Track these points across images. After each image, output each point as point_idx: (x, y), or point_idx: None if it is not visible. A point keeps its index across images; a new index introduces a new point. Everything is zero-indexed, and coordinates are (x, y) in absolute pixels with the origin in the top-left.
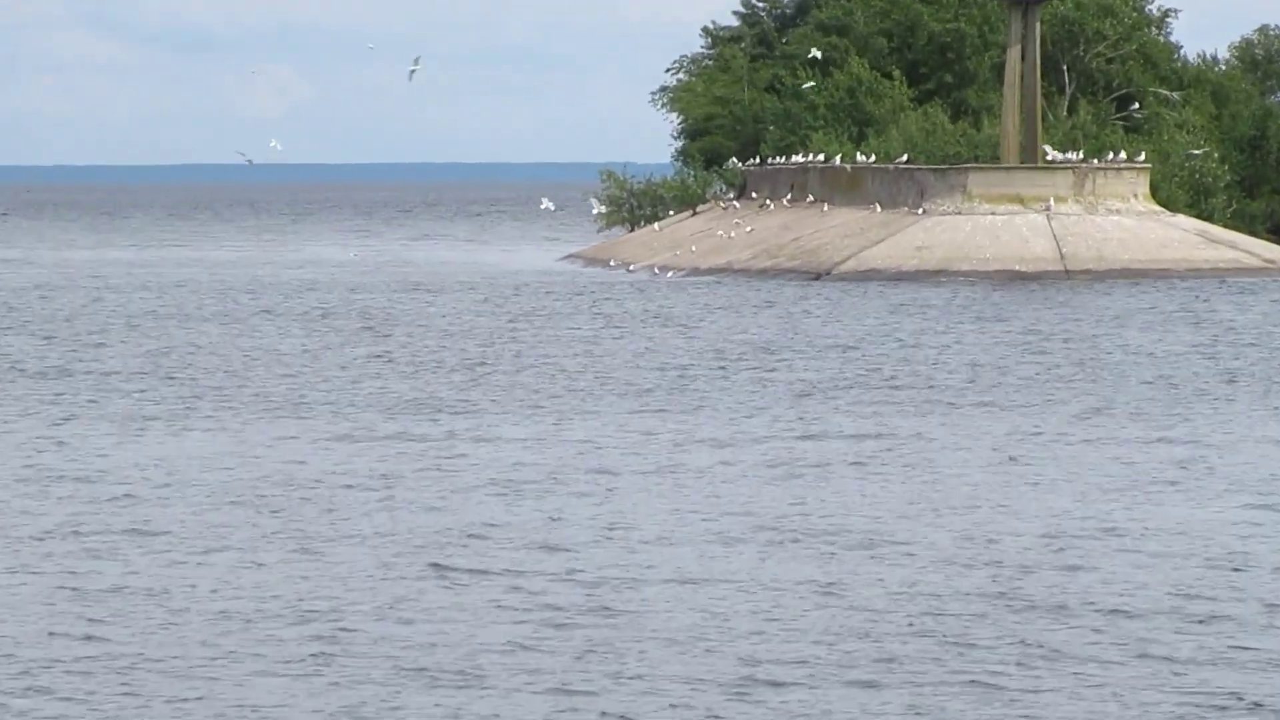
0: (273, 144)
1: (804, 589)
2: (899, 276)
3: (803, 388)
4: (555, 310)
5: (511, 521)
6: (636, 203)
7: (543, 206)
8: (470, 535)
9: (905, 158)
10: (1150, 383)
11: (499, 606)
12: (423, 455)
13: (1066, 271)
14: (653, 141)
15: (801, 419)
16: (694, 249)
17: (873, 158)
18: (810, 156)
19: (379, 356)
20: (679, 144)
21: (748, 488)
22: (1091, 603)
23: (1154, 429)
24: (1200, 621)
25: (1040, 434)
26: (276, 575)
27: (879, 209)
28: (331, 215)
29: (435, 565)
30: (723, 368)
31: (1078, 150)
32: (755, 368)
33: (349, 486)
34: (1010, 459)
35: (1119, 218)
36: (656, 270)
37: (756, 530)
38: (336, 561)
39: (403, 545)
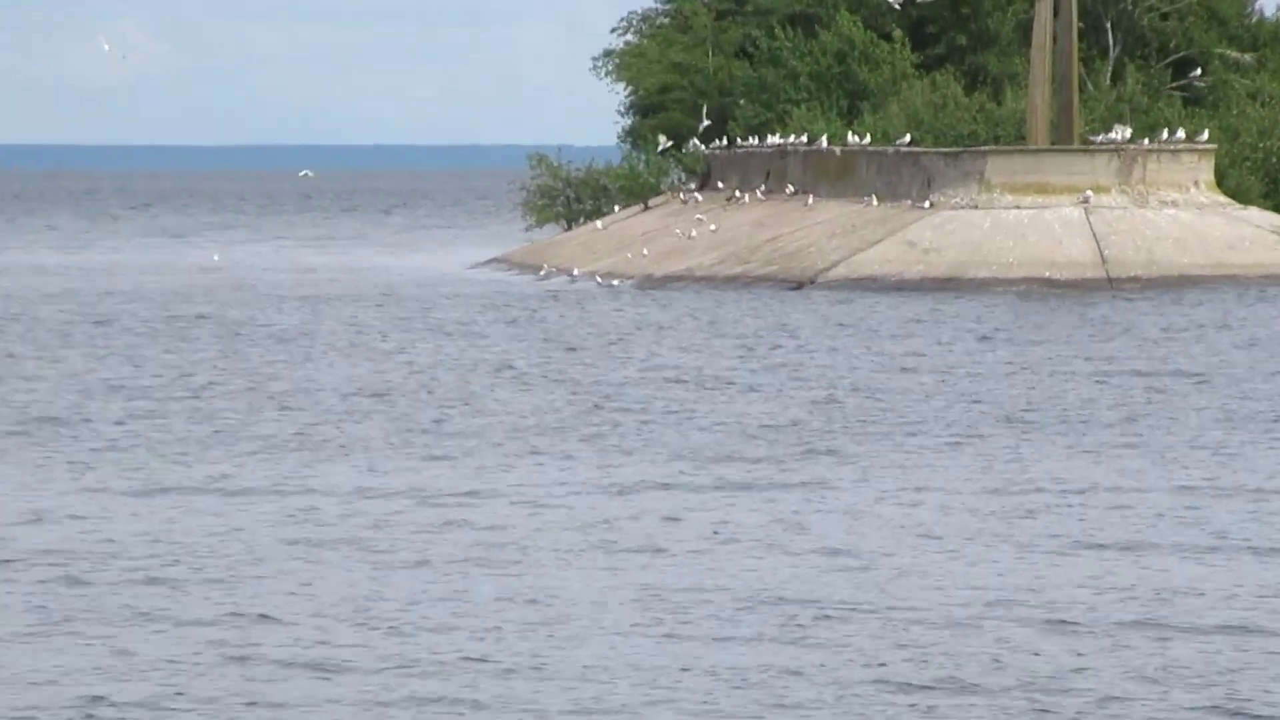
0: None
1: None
2: (900, 286)
3: (768, 432)
4: (459, 332)
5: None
6: (574, 195)
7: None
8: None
9: (908, 139)
10: (1215, 418)
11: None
12: (278, 509)
13: (1109, 279)
14: (594, 119)
15: (765, 470)
16: (645, 252)
17: (868, 139)
18: (790, 137)
19: (219, 384)
20: (627, 122)
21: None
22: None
23: (1220, 475)
24: None
25: (1080, 489)
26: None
27: (875, 202)
28: (191, 208)
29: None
30: (665, 403)
31: (1124, 128)
32: (706, 404)
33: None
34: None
35: (1175, 211)
36: (599, 279)
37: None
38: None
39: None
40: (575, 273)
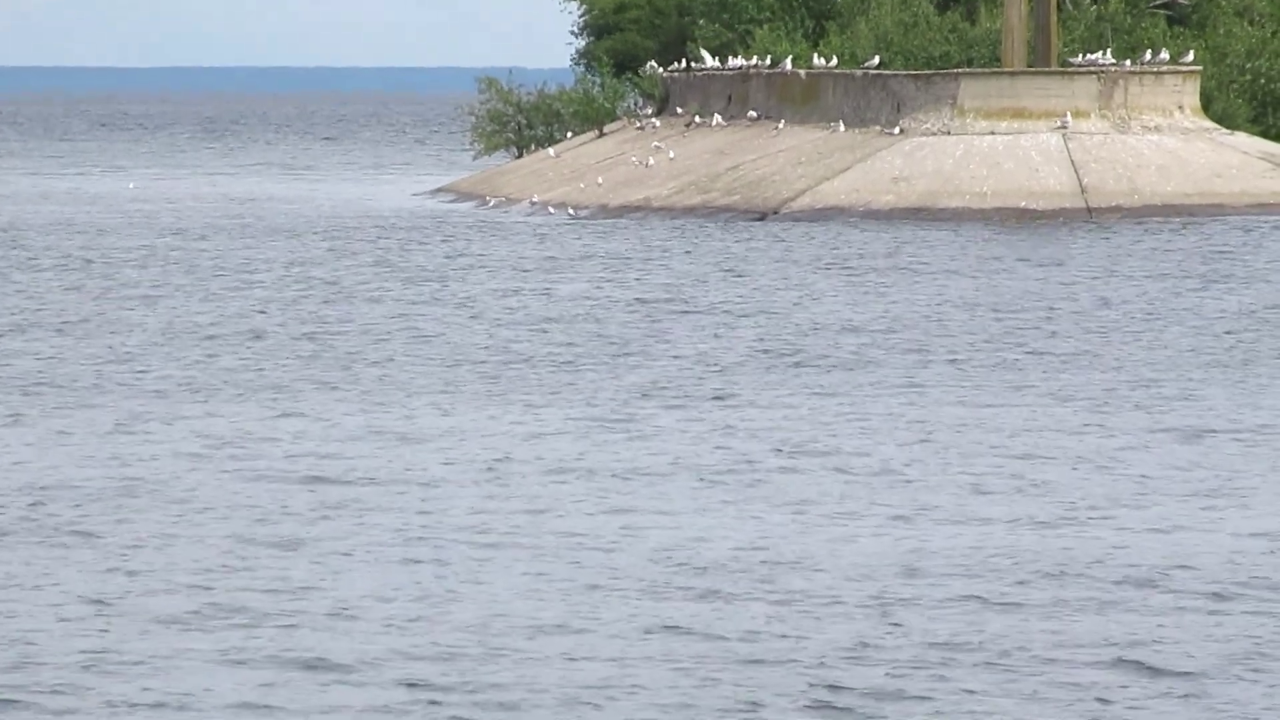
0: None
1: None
2: (869, 216)
3: (716, 372)
4: (402, 265)
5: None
6: (525, 120)
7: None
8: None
9: (877, 61)
10: (1193, 357)
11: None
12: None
13: (1089, 209)
14: (546, 41)
15: (700, 409)
16: (600, 181)
17: (834, 61)
18: (753, 60)
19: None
20: (580, 43)
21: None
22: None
23: (1205, 417)
24: None
25: (1057, 427)
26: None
27: (842, 128)
28: (115, 134)
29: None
30: (601, 342)
31: (1104, 49)
32: (647, 345)
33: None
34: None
35: (1158, 137)
36: (551, 208)
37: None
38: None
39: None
40: (525, 203)
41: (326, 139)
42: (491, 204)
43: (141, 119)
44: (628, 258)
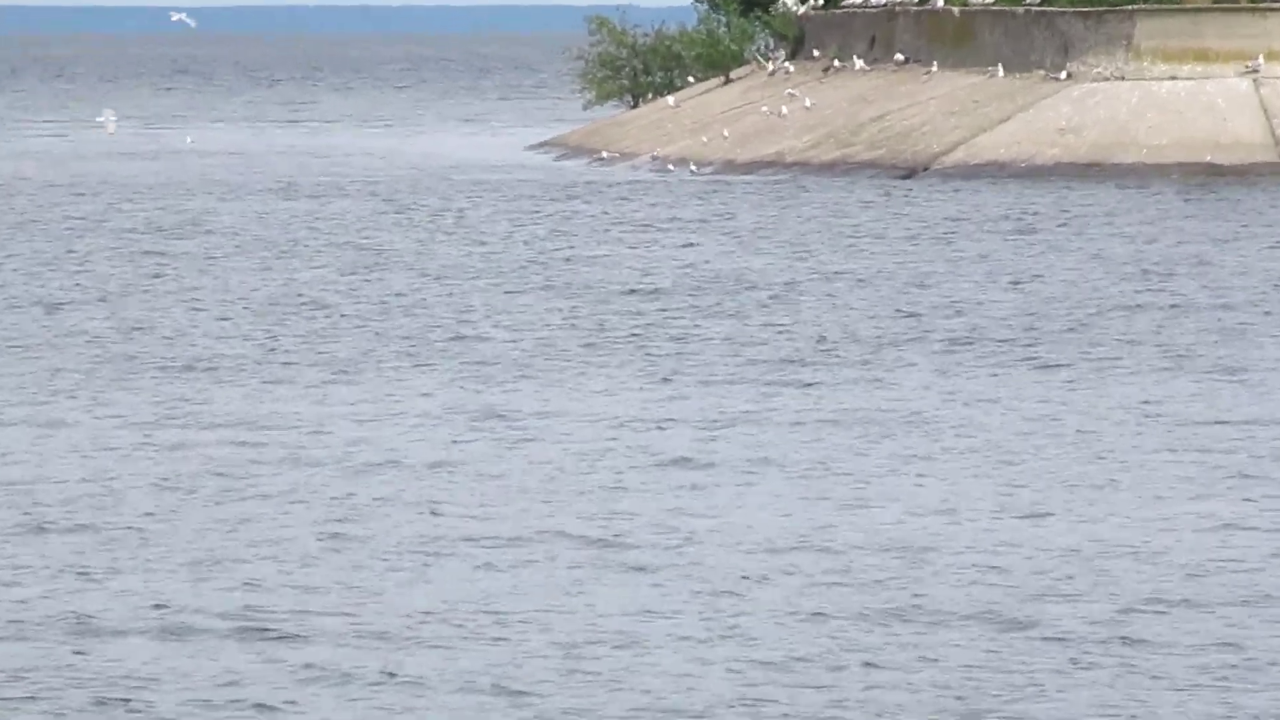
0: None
1: None
2: (1032, 173)
3: (872, 357)
4: (498, 230)
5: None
6: (642, 65)
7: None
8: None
9: None
10: None
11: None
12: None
13: None
14: None
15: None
16: (726, 134)
17: None
18: None
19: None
20: None
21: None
22: None
23: None
24: None
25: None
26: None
27: (1001, 73)
28: (150, 78)
29: None
30: (717, 311)
31: None
32: (779, 317)
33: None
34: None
35: None
36: (670, 165)
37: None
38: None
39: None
40: (646, 158)
41: (408, 85)
42: (604, 157)
43: (181, 62)
44: (755, 221)
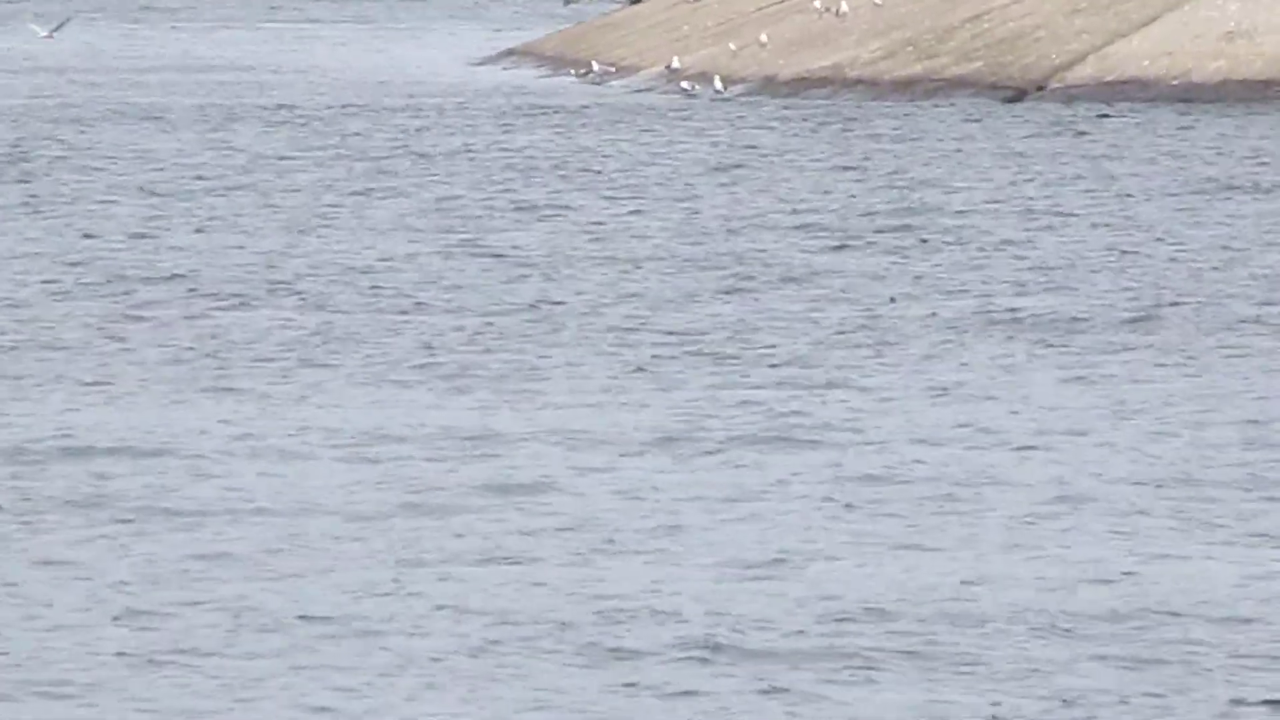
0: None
1: None
2: (1184, 94)
3: (936, 337)
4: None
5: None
6: None
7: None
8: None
9: None
10: None
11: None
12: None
13: None
14: None
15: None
16: (765, 39)
17: None
18: None
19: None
20: None
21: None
22: None
23: None
24: None
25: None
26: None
27: None
28: None
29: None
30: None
31: None
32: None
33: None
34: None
35: None
36: (685, 82)
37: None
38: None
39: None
40: (652, 71)
41: None
42: (592, 71)
43: None
44: (804, 162)
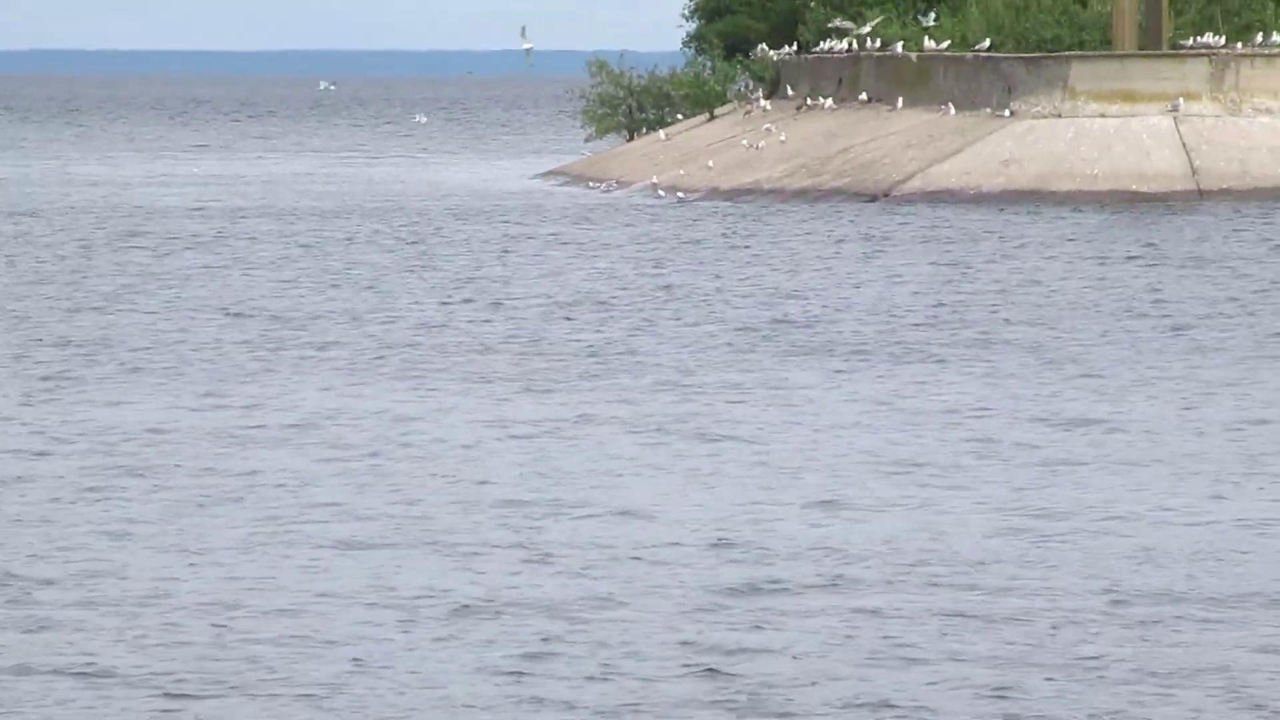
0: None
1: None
2: (979, 199)
3: (823, 357)
4: (500, 246)
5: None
6: (637, 104)
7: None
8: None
9: (988, 44)
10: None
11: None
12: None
13: (1200, 191)
14: (657, 23)
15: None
16: (711, 164)
17: (946, 44)
18: (864, 43)
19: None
20: (691, 26)
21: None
22: None
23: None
24: None
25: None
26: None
27: (953, 111)
28: (194, 116)
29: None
30: (715, 322)
31: (1215, 32)
32: (758, 327)
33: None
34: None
35: (1271, 120)
36: (660, 191)
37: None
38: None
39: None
40: (639, 185)
41: (425, 119)
42: (602, 185)
43: (217, 103)
44: (737, 241)
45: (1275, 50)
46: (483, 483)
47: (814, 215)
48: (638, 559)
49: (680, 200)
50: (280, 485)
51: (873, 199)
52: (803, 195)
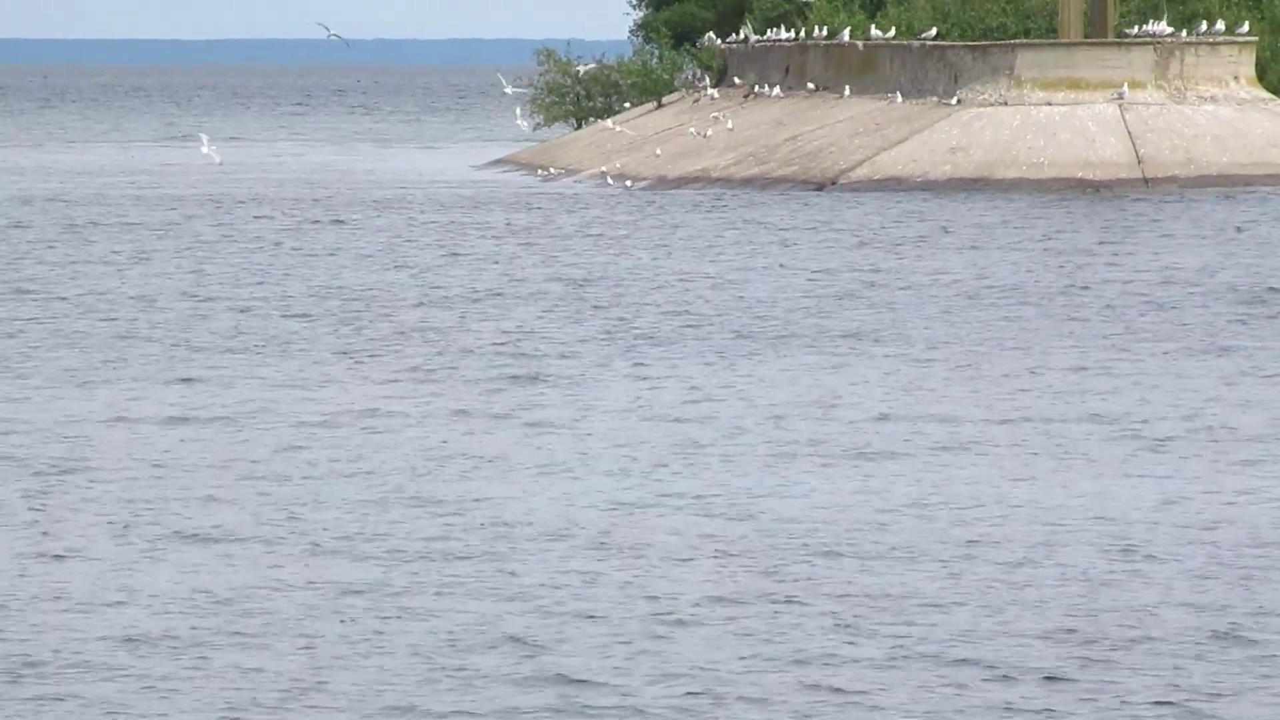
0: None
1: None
2: (927, 186)
3: (768, 347)
4: (451, 235)
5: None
6: (584, 92)
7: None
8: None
9: (934, 32)
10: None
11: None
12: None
13: (1145, 179)
14: (604, 12)
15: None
16: (659, 152)
17: (892, 32)
18: (811, 31)
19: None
20: (638, 15)
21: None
22: None
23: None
24: None
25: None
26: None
27: (900, 99)
28: (172, 106)
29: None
30: (641, 313)
31: (1159, 20)
32: (686, 316)
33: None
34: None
35: (1214, 108)
36: (609, 179)
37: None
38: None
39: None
40: (587, 174)
41: (376, 108)
42: (550, 173)
43: (190, 91)
44: (689, 229)
45: (1219, 38)
46: (349, 475)
47: (760, 202)
48: (493, 553)
49: (627, 188)
50: (134, 478)
51: (820, 187)
52: (749, 183)
